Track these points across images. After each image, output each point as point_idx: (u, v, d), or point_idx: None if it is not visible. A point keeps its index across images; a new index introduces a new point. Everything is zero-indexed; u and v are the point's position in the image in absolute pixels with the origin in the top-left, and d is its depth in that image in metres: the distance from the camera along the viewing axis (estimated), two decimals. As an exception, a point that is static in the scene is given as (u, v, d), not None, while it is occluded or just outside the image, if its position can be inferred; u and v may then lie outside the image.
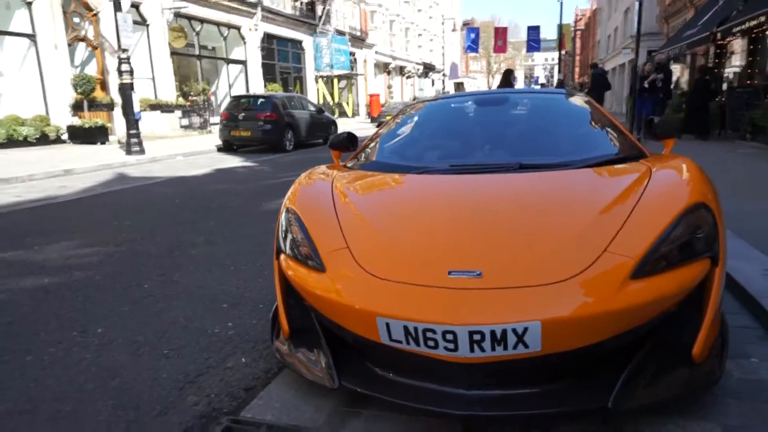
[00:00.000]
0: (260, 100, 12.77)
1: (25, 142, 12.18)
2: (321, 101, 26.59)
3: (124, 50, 10.80)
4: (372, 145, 3.11)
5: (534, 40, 40.32)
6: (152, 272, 3.59)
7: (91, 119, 13.43)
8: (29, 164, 9.47)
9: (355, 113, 29.40)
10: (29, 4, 12.86)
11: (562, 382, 1.75)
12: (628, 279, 1.70)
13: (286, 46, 24.61)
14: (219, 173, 9.17)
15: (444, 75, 43.53)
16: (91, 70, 14.92)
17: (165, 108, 16.16)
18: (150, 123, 16.03)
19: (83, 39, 14.48)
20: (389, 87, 37.56)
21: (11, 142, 11.91)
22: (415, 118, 3.38)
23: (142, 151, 11.11)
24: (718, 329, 1.95)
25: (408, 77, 43.03)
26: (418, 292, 1.75)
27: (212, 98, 19.28)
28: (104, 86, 15.01)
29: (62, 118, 13.50)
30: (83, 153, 11.48)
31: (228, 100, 15.06)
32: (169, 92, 17.15)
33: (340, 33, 27.70)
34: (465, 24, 58.60)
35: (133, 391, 2.15)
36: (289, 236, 2.20)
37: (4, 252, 4.16)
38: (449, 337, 1.62)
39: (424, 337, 1.66)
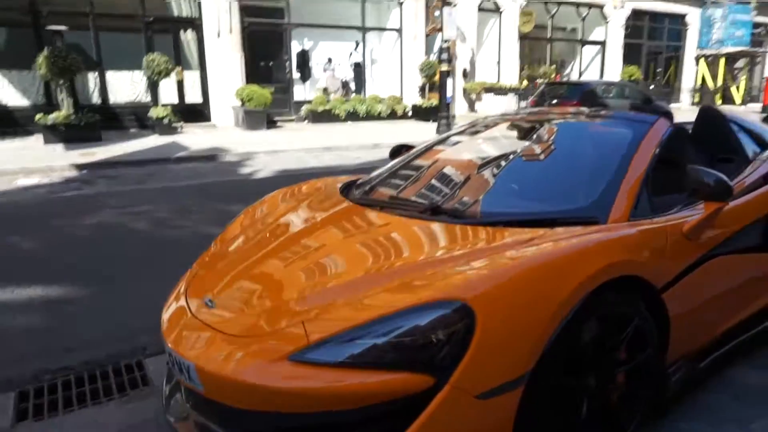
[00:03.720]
0: (570, 87, 12.19)
1: (378, 117, 15.12)
2: (698, 84, 22.66)
3: (446, 41, 12.06)
4: (389, 165, 3.12)
5: None
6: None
7: (428, 100, 15.53)
8: (356, 136, 11.91)
9: (747, 100, 23.81)
10: (401, 4, 15.58)
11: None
12: (285, 359, 1.58)
13: (661, 22, 21.76)
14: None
15: None
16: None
17: (498, 91, 17.07)
18: (486, 105, 17.28)
19: (439, 29, 16.56)
20: (819, 67, 28.39)
21: (369, 117, 14.99)
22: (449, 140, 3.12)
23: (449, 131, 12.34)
24: None
25: None
26: (181, 310, 2.04)
27: (571, 80, 19.03)
28: (451, 71, 16.92)
29: (411, 98, 16.05)
30: (408, 129, 13.54)
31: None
32: (512, 76, 17.93)
33: (743, 1, 22.52)
34: None
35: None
36: None
37: (233, 205, 5.83)
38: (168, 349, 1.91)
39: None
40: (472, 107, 17.45)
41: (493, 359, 1.49)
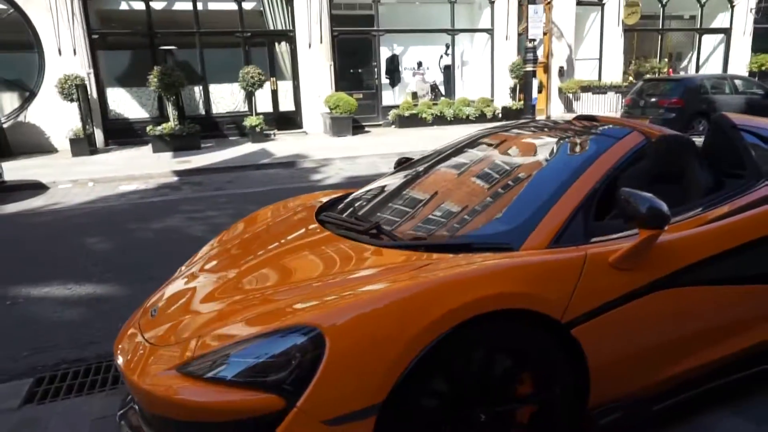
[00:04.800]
0: (670, 84, 11.14)
1: (467, 120, 14.93)
2: None
3: (531, 40, 11.62)
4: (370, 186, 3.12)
5: None
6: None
7: (519, 101, 15.02)
8: (437, 140, 11.85)
9: None
10: (492, 3, 15.26)
11: None
12: (175, 369, 1.73)
13: (803, 2, 19.03)
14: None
15: None
16: (539, 55, 16.33)
17: (597, 89, 16.03)
18: (585, 104, 16.33)
19: (534, 27, 15.95)
20: None
21: (457, 120, 14.87)
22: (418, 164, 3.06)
23: (532, 135, 11.90)
24: None
25: None
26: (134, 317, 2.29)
27: (672, 76, 17.46)
28: (546, 69, 16.22)
29: (502, 100, 15.64)
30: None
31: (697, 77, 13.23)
32: (615, 72, 16.76)
33: None
34: None
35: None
36: None
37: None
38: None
39: None
40: (569, 107, 16.58)
41: (341, 387, 1.52)
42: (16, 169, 9.62)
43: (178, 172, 9.31)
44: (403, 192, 2.67)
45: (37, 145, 11.76)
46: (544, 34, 16.15)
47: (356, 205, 2.75)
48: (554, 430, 1.81)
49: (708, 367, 2.14)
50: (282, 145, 12.03)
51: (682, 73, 17.97)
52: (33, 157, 11.10)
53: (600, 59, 16.76)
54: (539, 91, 14.94)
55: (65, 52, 11.60)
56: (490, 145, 2.83)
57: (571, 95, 16.27)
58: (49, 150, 11.83)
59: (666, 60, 17.91)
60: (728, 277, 2.12)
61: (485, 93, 15.79)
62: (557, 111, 16.36)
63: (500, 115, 15.31)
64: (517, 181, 2.36)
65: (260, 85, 12.46)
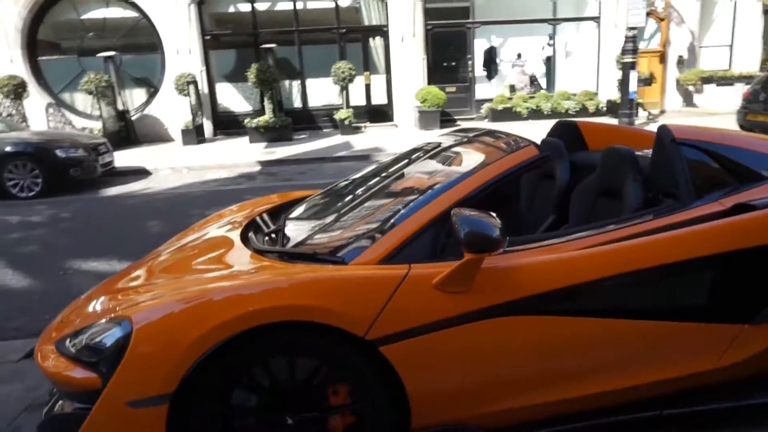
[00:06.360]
0: (800, 75, 9.56)
1: (566, 114, 14.13)
2: None
3: (631, 29, 10.65)
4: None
5: None
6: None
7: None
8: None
9: None
10: (603, -12, 14.20)
11: None
12: (53, 344, 2.05)
13: None
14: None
15: None
16: (655, 43, 14.92)
17: (722, 80, 14.20)
18: (708, 98, 14.63)
19: (651, 13, 14.54)
20: None
21: (555, 114, 14.12)
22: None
23: (629, 132, 10.97)
24: None
25: None
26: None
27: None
28: (663, 58, 14.76)
29: (608, 93, 14.53)
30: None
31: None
32: (750, 61, 14.74)
33: None
34: None
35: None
36: None
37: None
38: None
39: None
40: (688, 101, 14.94)
41: (139, 375, 1.71)
42: (133, 156, 11.09)
43: (260, 162, 10.07)
44: (327, 199, 2.78)
45: (158, 135, 13.37)
46: (662, 20, 14.75)
47: (294, 208, 2.91)
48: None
49: (585, 403, 1.99)
50: (367, 137, 12.39)
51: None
52: (152, 146, 12.65)
53: (731, 46, 14.86)
54: (648, 84, 13.68)
55: (182, 52, 13.01)
56: (416, 157, 2.80)
57: (691, 87, 14.65)
58: (167, 139, 13.39)
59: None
60: (605, 308, 1.95)
61: (590, 86, 14.80)
62: (674, 105, 14.85)
63: (604, 109, 14.30)
64: (395, 197, 2.35)
65: (351, 80, 12.92)
